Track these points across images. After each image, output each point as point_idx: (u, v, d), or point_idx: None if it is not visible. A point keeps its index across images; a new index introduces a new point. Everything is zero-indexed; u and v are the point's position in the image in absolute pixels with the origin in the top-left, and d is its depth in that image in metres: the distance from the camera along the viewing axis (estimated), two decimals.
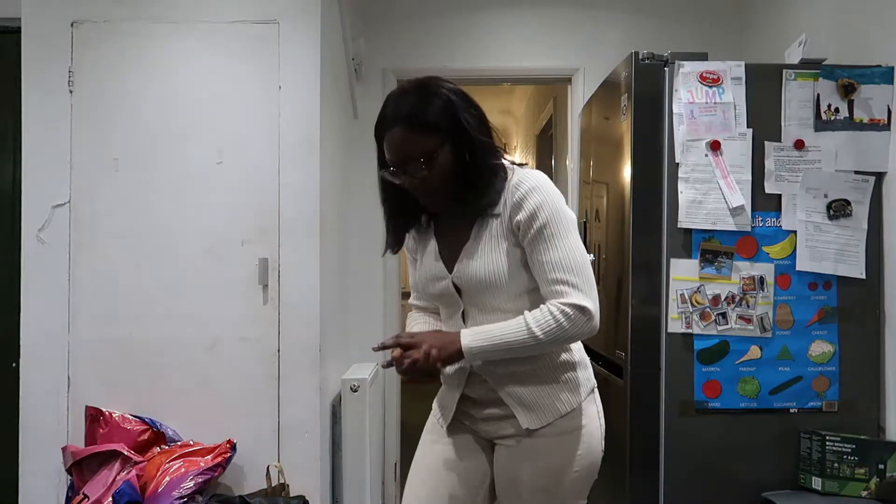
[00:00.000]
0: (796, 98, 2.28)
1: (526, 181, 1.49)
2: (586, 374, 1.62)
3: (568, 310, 1.44)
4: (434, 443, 1.67)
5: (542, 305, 1.46)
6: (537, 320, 1.44)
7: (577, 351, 1.61)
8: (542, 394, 1.54)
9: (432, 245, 1.62)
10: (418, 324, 1.74)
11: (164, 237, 2.65)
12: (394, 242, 1.63)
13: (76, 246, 2.64)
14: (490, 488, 1.64)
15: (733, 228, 2.25)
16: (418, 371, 1.42)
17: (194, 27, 2.67)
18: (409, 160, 1.44)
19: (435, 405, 1.71)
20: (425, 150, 1.43)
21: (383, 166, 1.50)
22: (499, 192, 1.49)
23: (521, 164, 1.56)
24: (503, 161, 1.53)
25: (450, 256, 1.57)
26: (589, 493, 1.62)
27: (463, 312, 1.57)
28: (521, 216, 1.47)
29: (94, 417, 2.57)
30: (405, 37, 3.56)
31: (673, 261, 2.26)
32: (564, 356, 1.57)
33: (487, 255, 1.50)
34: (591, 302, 1.46)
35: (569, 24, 3.55)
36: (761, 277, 2.26)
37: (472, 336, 1.46)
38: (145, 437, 2.55)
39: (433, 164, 1.44)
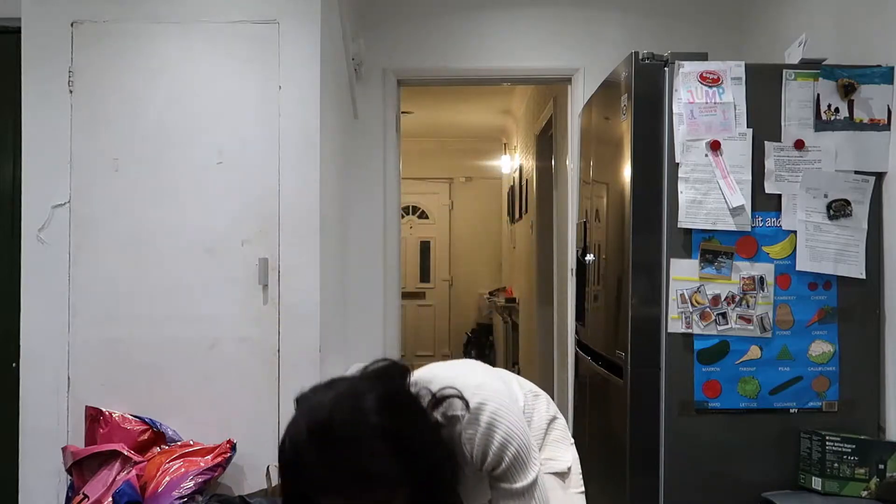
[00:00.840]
0: (796, 98, 2.28)
1: (479, 424, 1.26)
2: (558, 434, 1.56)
3: None
4: None
5: None
6: None
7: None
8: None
9: None
10: None
11: (164, 237, 2.65)
12: None
13: (76, 246, 2.64)
14: None
15: (733, 228, 2.25)
16: None
17: (194, 27, 2.67)
18: None
19: None
20: (384, 491, 1.11)
21: None
22: (456, 473, 1.25)
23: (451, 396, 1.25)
24: (441, 430, 1.23)
25: None
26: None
27: None
28: (488, 462, 1.29)
29: (94, 417, 2.57)
30: (405, 37, 3.57)
31: (673, 261, 2.26)
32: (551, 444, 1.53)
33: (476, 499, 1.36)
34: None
35: (569, 24, 3.55)
36: (761, 277, 2.26)
37: None
38: (145, 437, 2.55)
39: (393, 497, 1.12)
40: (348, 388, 1.18)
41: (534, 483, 1.34)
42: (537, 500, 1.34)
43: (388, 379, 1.20)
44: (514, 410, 1.34)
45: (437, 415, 1.23)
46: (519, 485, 1.32)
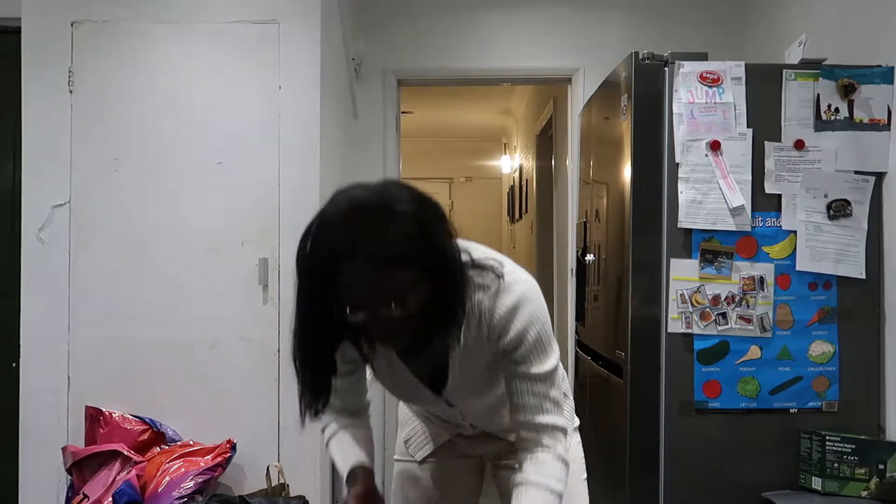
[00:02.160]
0: (796, 98, 2.28)
1: (503, 302, 1.25)
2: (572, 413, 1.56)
3: (558, 443, 1.30)
4: (417, 471, 1.57)
5: (536, 455, 1.29)
6: (555, 476, 1.28)
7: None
8: None
9: (392, 359, 1.35)
10: (353, 449, 1.40)
11: (164, 237, 2.65)
12: (318, 398, 1.31)
13: (76, 246, 2.64)
14: None
15: (733, 228, 2.25)
16: None
17: (194, 27, 2.67)
18: (379, 303, 1.11)
19: (408, 436, 1.62)
20: (399, 290, 1.11)
21: (320, 304, 1.22)
22: (463, 313, 1.21)
23: (481, 264, 1.26)
24: (467, 271, 1.23)
25: (429, 379, 1.37)
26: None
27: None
28: (507, 339, 1.26)
29: (94, 417, 2.57)
30: (405, 37, 3.57)
31: (673, 261, 2.26)
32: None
33: (474, 372, 1.33)
34: (564, 420, 1.33)
35: (569, 24, 3.55)
36: (761, 277, 2.26)
37: None
38: (145, 437, 2.55)
39: (407, 305, 1.12)
40: (388, 185, 1.19)
41: (554, 370, 1.32)
42: (556, 388, 1.31)
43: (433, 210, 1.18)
44: (541, 298, 1.30)
45: (470, 272, 1.22)
46: (537, 370, 1.29)
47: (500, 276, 1.24)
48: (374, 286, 1.11)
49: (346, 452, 1.38)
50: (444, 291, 1.16)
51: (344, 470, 1.33)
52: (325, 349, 1.26)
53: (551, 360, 1.30)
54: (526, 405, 1.30)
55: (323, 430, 1.47)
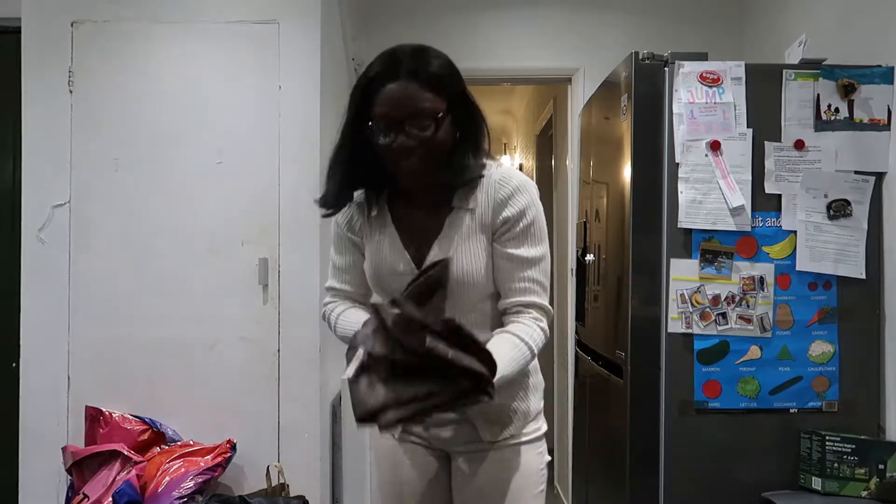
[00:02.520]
0: (796, 98, 2.28)
1: (511, 179, 1.41)
2: (540, 376, 1.58)
3: (542, 319, 1.41)
4: (395, 468, 1.58)
5: (520, 318, 1.38)
6: (531, 336, 1.37)
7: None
8: (510, 403, 1.47)
9: (389, 234, 1.46)
10: (363, 313, 1.50)
11: (163, 237, 2.65)
12: (336, 199, 1.46)
13: (76, 246, 2.64)
14: None
15: (733, 228, 2.25)
16: None
17: (194, 27, 2.67)
18: (413, 117, 1.32)
19: None
20: (434, 109, 1.33)
21: (360, 119, 1.37)
22: (474, 180, 1.39)
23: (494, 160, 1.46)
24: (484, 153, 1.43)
25: (416, 250, 1.44)
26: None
27: None
28: (507, 213, 1.39)
29: (94, 417, 2.57)
30: (405, 37, 3.51)
31: (673, 261, 2.26)
32: (530, 372, 1.51)
33: (465, 251, 1.40)
34: (548, 305, 1.44)
35: (569, 24, 3.55)
36: (761, 277, 2.26)
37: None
38: (145, 437, 2.55)
39: (437, 127, 1.33)
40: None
41: (544, 258, 1.41)
42: (545, 275, 1.41)
43: None
44: (539, 198, 1.45)
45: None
46: (528, 253, 1.39)
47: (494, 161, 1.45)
48: (409, 98, 1.32)
49: (358, 316, 1.48)
50: (466, 130, 1.38)
51: (358, 324, 1.33)
52: (352, 162, 1.43)
53: (542, 248, 1.41)
54: (516, 288, 1.40)
55: (328, 318, 1.59)
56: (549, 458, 1.58)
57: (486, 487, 1.49)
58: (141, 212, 2.65)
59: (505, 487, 1.48)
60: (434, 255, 1.42)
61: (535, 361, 1.48)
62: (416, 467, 1.57)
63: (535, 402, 1.53)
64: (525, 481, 1.50)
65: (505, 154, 7.93)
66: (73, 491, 2.53)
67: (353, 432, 2.86)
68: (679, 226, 2.26)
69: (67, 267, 2.64)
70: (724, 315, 2.26)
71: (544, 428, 1.57)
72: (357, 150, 1.40)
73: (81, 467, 2.51)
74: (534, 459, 1.52)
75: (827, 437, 2.18)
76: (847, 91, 2.28)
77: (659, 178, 2.29)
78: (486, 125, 1.43)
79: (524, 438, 1.51)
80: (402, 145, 1.33)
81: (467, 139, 1.39)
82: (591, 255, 2.90)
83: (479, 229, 1.41)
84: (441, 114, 1.33)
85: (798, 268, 2.27)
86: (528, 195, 1.42)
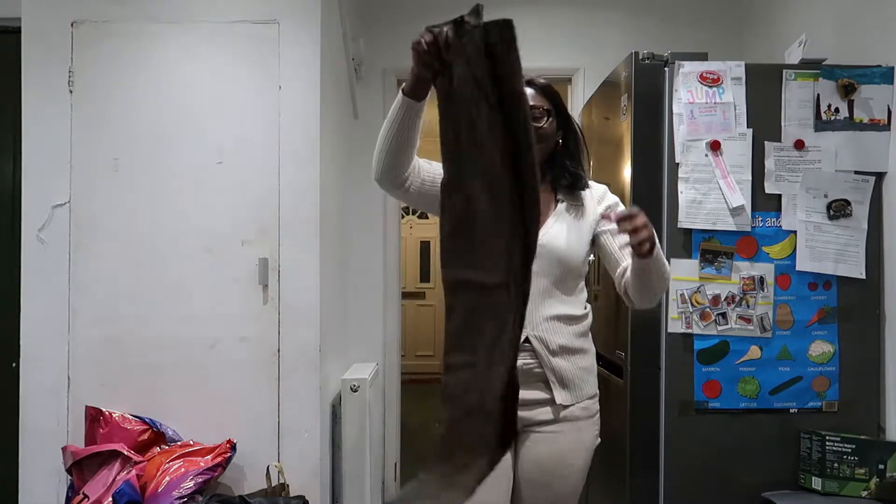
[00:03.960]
0: (796, 98, 2.28)
1: (603, 190, 1.83)
2: (595, 363, 1.82)
3: None
4: None
5: None
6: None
7: None
8: (579, 374, 1.72)
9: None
10: None
11: (164, 237, 2.65)
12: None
13: (76, 246, 2.64)
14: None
15: (733, 228, 2.25)
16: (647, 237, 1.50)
17: (194, 27, 2.67)
18: (532, 109, 1.62)
19: None
20: (545, 108, 1.72)
21: None
22: (583, 188, 1.77)
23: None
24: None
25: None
26: (589, 493, 1.64)
27: None
28: (606, 204, 1.78)
29: (94, 417, 2.57)
30: (405, 37, 3.50)
31: (673, 261, 2.26)
32: (593, 349, 1.79)
33: (572, 233, 1.71)
34: None
35: (569, 24, 3.55)
36: (761, 277, 2.26)
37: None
38: (145, 437, 2.55)
39: (547, 119, 1.71)
40: None
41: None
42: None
43: None
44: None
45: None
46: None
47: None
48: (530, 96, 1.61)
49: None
50: (565, 142, 1.76)
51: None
52: None
53: None
54: (625, 253, 1.70)
55: None
56: (600, 440, 1.80)
57: (550, 462, 1.69)
58: (141, 212, 2.65)
59: (567, 461, 1.70)
60: (546, 231, 1.70)
61: (594, 349, 1.79)
62: None
63: (595, 382, 1.79)
64: (582, 457, 1.73)
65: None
66: (73, 491, 2.53)
67: (353, 432, 2.86)
68: (679, 226, 2.26)
69: (67, 267, 2.64)
70: (724, 315, 2.26)
71: (598, 409, 1.81)
72: None
73: (81, 467, 2.51)
74: (591, 437, 1.77)
75: (827, 437, 2.19)
76: (847, 91, 2.28)
77: (659, 178, 2.29)
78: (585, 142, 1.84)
79: (587, 413, 1.74)
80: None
81: (567, 145, 1.78)
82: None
83: (586, 220, 1.75)
84: (550, 111, 1.73)
85: (798, 268, 2.27)
86: (612, 194, 1.83)
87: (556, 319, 1.69)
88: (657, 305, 2.28)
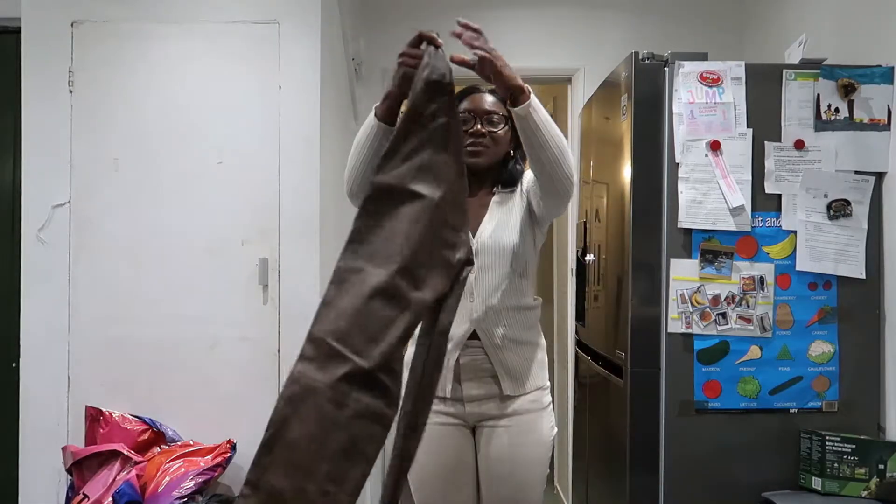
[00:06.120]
0: (796, 98, 2.28)
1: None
2: (546, 357, 1.90)
3: None
4: (442, 438, 1.79)
5: None
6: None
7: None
8: (526, 366, 1.79)
9: None
10: None
11: (164, 237, 2.65)
12: None
13: (76, 246, 2.64)
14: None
15: (733, 228, 2.25)
16: (490, 63, 1.70)
17: (194, 27, 2.67)
18: (489, 114, 1.83)
19: None
20: (502, 114, 1.83)
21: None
22: (517, 182, 1.89)
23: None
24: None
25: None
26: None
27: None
28: (528, 179, 1.86)
29: (94, 417, 2.57)
30: (405, 37, 3.51)
31: (673, 261, 2.26)
32: (542, 342, 1.87)
33: (501, 224, 1.79)
34: None
35: (569, 24, 3.55)
36: (761, 277, 2.26)
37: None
38: (145, 437, 2.55)
39: (503, 126, 1.83)
40: None
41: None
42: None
43: None
44: None
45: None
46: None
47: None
48: (490, 105, 1.85)
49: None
50: (512, 144, 1.87)
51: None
52: None
53: None
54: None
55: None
56: (556, 430, 1.87)
57: (505, 454, 1.76)
58: (141, 212, 2.65)
59: (522, 453, 1.76)
60: (483, 228, 1.81)
61: (544, 342, 1.87)
62: (447, 446, 1.80)
63: (543, 374, 1.84)
64: (538, 449, 1.79)
65: None
66: (73, 491, 2.53)
67: None
68: (679, 226, 2.26)
69: (67, 267, 2.64)
70: (724, 315, 2.26)
71: (550, 400, 1.86)
72: None
73: (81, 467, 2.51)
74: (546, 428, 1.82)
75: (827, 437, 2.18)
76: (847, 91, 2.28)
77: (659, 178, 2.29)
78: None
79: (537, 405, 1.79)
80: (475, 131, 1.82)
81: (515, 151, 1.89)
82: (591, 255, 2.90)
83: (516, 202, 1.85)
84: (506, 119, 1.83)
85: (798, 268, 2.27)
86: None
87: (502, 311, 1.76)
88: (657, 305, 2.28)
